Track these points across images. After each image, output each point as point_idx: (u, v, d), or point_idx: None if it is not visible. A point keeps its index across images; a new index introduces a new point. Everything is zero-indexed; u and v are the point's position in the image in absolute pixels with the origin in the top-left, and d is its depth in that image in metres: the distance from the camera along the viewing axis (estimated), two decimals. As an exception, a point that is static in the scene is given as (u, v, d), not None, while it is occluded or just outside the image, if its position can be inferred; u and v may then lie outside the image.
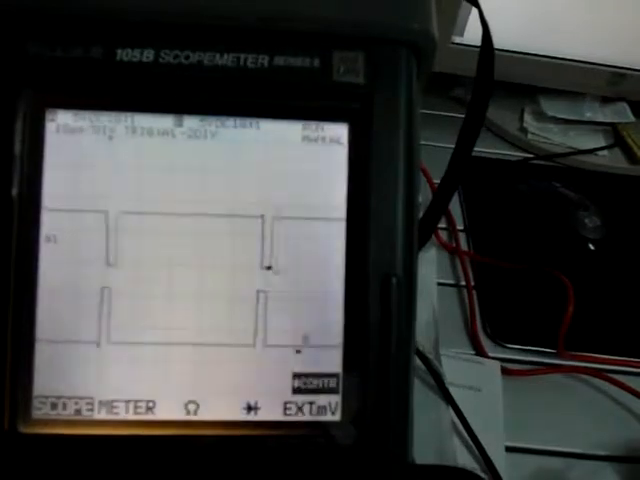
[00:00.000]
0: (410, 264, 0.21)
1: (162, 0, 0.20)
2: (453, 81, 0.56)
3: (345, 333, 0.21)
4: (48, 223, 0.20)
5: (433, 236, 0.42)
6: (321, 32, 0.20)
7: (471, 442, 0.31)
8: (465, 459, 0.31)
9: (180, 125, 0.20)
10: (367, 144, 0.20)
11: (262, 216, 0.20)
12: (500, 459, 0.31)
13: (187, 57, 0.20)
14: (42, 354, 0.20)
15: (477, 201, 0.47)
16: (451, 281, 0.41)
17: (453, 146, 0.27)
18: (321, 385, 0.21)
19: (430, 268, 0.40)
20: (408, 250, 0.21)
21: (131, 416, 0.20)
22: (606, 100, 0.55)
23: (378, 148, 0.20)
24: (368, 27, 0.20)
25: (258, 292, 0.20)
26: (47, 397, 0.20)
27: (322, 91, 0.21)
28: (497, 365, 0.36)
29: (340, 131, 0.21)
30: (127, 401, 0.20)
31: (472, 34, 0.48)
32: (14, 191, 0.19)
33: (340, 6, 0.20)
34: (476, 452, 0.31)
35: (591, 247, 0.44)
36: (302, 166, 0.21)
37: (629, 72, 0.51)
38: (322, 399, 0.21)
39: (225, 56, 0.20)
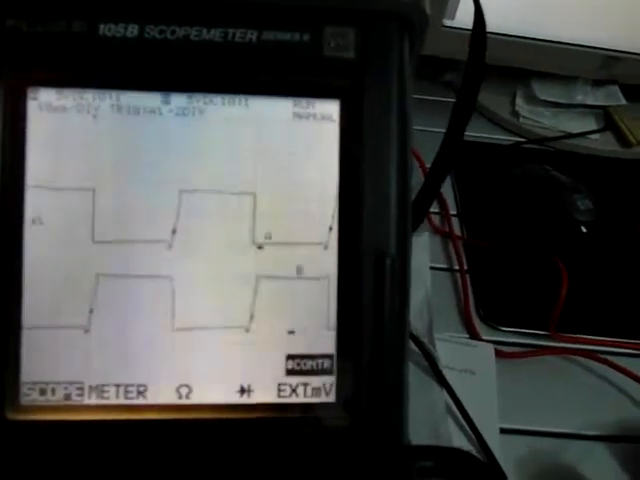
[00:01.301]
0: (404, 243, 0.20)
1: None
2: (445, 66, 0.55)
3: (339, 313, 0.20)
4: (33, 205, 0.19)
5: (426, 220, 0.42)
6: (311, 6, 0.20)
7: (466, 424, 0.31)
8: (460, 441, 0.31)
9: (167, 103, 0.20)
10: (359, 121, 0.20)
11: (253, 193, 0.20)
12: (494, 440, 0.31)
13: (173, 32, 0.19)
14: (30, 340, 0.19)
15: (469, 185, 0.47)
16: (444, 265, 0.41)
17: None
18: (315, 366, 0.20)
19: (423, 252, 0.40)
20: (401, 229, 0.20)
21: (122, 400, 0.20)
22: (597, 83, 0.55)
23: (370, 124, 0.20)
24: (359, 0, 0.20)
25: (250, 273, 0.20)
26: (35, 383, 0.19)
27: (312, 67, 0.20)
28: (491, 348, 0.36)
29: (331, 108, 0.20)
30: (117, 385, 0.20)
31: (464, 17, 0.47)
32: (-4, 173, 0.19)
33: (330, -20, 0.20)
34: (471, 434, 0.31)
35: (583, 230, 0.44)
36: (293, 143, 0.20)
37: (622, 55, 0.50)
38: (316, 381, 0.20)
39: (212, 31, 0.20)
